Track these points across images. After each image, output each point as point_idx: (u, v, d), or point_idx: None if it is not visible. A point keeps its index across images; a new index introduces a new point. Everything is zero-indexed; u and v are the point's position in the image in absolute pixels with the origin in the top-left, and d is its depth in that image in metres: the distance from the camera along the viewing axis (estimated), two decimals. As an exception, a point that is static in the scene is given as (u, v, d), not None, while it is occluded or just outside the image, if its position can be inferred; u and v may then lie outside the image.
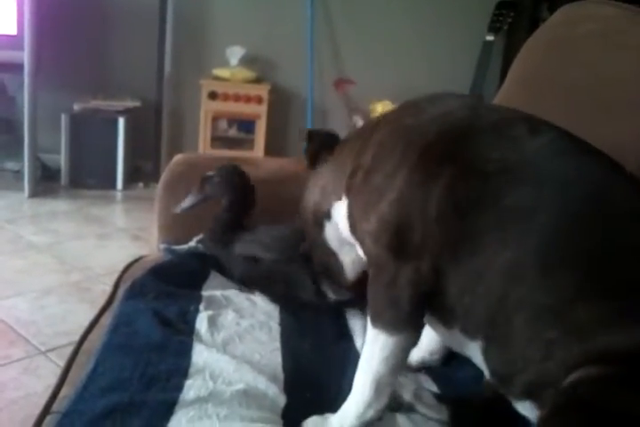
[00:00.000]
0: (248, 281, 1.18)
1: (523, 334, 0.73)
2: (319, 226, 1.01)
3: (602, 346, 0.68)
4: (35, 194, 3.16)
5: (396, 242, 0.79)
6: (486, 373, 0.80)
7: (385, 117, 0.91)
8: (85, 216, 3.00)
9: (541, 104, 1.17)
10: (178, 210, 1.27)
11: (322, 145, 1.03)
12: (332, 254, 1.03)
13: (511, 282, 0.73)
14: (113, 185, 3.33)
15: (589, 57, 1.19)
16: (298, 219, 1.08)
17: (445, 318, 0.82)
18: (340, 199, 0.94)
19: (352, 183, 0.88)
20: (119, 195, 3.34)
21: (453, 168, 0.78)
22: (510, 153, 0.78)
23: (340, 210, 0.94)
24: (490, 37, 3.33)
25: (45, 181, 3.31)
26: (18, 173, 3.26)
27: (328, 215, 0.98)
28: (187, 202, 1.25)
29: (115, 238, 2.77)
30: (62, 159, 3.28)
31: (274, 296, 1.14)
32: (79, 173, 3.31)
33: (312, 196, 1.02)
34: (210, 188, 1.24)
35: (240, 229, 1.23)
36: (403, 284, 0.78)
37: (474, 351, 0.80)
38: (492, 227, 0.75)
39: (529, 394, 0.75)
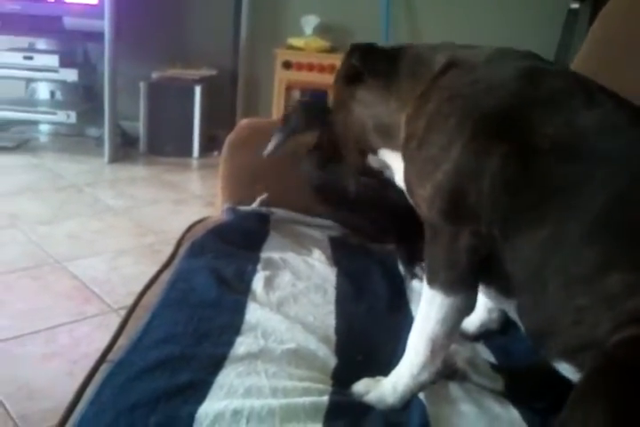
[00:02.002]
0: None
1: (554, 299, 0.74)
2: (362, 154, 1.01)
3: (631, 310, 0.68)
4: (114, 160, 3.27)
5: (450, 207, 0.80)
6: (522, 329, 0.82)
7: (440, 81, 0.87)
8: (162, 182, 3.08)
9: (619, 66, 1.12)
10: (266, 153, 1.21)
11: (364, 61, 0.96)
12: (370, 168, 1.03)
13: (548, 253, 0.74)
14: (189, 153, 3.41)
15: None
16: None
17: (485, 279, 0.83)
18: (384, 147, 0.95)
19: (407, 150, 0.88)
20: (195, 162, 3.41)
21: (506, 145, 0.77)
22: (564, 128, 0.77)
23: (388, 157, 0.95)
24: (575, 5, 3.19)
25: (125, 148, 3.42)
26: (99, 140, 3.38)
27: (374, 151, 0.99)
28: (273, 142, 1.20)
29: (189, 204, 2.84)
30: (141, 127, 3.38)
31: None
32: (157, 141, 3.40)
33: (353, 124, 0.99)
34: (295, 122, 1.19)
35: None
36: (462, 246, 0.79)
37: (508, 308, 0.83)
38: (537, 204, 0.75)
39: (565, 357, 0.76)
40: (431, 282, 0.82)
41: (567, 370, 0.77)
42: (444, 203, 0.80)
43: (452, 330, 0.83)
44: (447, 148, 0.80)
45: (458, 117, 0.81)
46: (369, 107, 0.96)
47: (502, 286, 0.81)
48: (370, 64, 0.96)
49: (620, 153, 0.75)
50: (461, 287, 0.81)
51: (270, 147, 1.20)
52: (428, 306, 0.83)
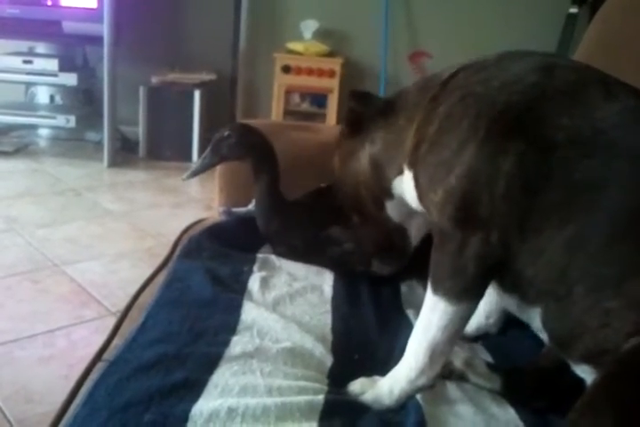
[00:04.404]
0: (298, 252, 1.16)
1: (582, 303, 0.71)
2: (378, 205, 0.97)
3: None
4: (113, 164, 3.27)
5: (461, 214, 0.77)
6: (544, 338, 0.79)
7: (450, 84, 0.84)
8: (161, 186, 3.08)
9: (618, 68, 1.11)
10: (185, 177, 1.19)
11: (366, 107, 0.95)
12: (394, 226, 1.00)
13: (573, 254, 0.71)
14: (188, 157, 3.41)
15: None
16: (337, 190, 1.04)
17: (505, 286, 0.81)
18: (401, 173, 0.90)
19: (417, 156, 0.84)
20: (194, 167, 3.39)
21: (522, 143, 0.74)
22: (581, 120, 0.73)
23: (403, 184, 0.90)
24: (574, 10, 3.20)
25: (124, 152, 3.42)
26: (98, 144, 3.38)
27: (389, 194, 0.94)
28: (199, 165, 1.18)
29: (188, 208, 2.84)
30: (140, 131, 3.38)
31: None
32: (156, 145, 3.40)
33: (363, 168, 0.96)
34: (226, 148, 1.16)
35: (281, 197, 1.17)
36: (470, 254, 0.76)
37: (532, 317, 0.79)
38: (559, 203, 0.72)
39: (588, 359, 0.74)
40: (435, 289, 0.79)
41: (586, 371, 0.75)
42: (455, 208, 0.77)
43: (453, 337, 0.81)
44: (459, 150, 0.77)
45: (471, 118, 0.77)
46: (379, 141, 0.93)
47: (524, 293, 0.78)
48: (368, 102, 0.95)
49: None
50: (466, 296, 0.79)
51: (194, 169, 1.20)
52: (430, 312, 0.80)
